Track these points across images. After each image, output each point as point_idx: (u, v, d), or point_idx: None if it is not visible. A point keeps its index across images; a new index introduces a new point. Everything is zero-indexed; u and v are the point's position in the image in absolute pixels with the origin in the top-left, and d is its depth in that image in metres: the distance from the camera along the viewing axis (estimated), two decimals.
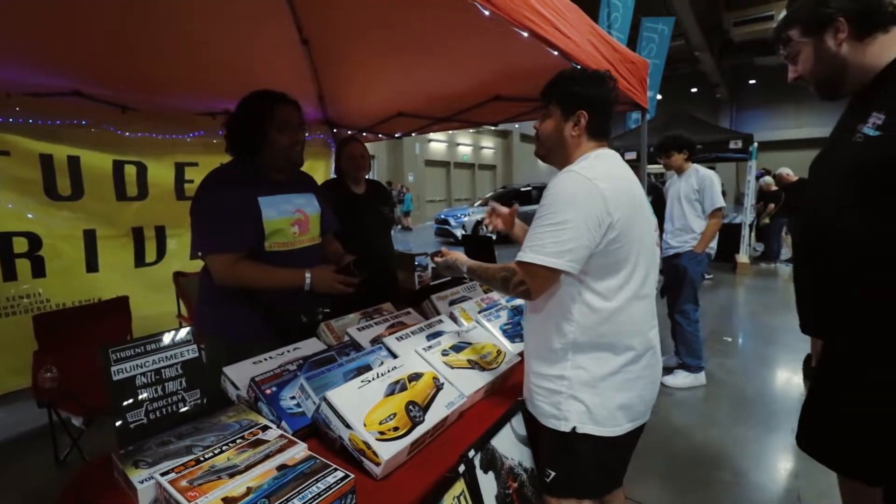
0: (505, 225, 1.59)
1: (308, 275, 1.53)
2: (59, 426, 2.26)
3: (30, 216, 2.66)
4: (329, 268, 1.59)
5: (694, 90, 19.57)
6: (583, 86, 1.19)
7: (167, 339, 1.20)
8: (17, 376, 2.49)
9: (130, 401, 1.09)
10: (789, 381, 3.39)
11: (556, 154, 1.24)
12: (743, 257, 7.45)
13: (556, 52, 1.58)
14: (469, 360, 1.43)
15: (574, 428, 1.15)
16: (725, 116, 20.00)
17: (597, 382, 1.14)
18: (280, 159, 1.60)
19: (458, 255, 1.39)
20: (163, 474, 0.89)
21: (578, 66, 1.25)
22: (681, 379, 3.23)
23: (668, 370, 3.20)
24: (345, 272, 1.58)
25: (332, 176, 2.64)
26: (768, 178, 8.35)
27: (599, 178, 1.10)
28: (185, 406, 1.17)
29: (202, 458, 0.94)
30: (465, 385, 1.31)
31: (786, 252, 8.17)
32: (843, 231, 1.08)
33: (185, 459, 0.95)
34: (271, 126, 1.55)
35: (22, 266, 2.65)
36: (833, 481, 2.14)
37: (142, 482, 0.91)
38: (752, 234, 8.75)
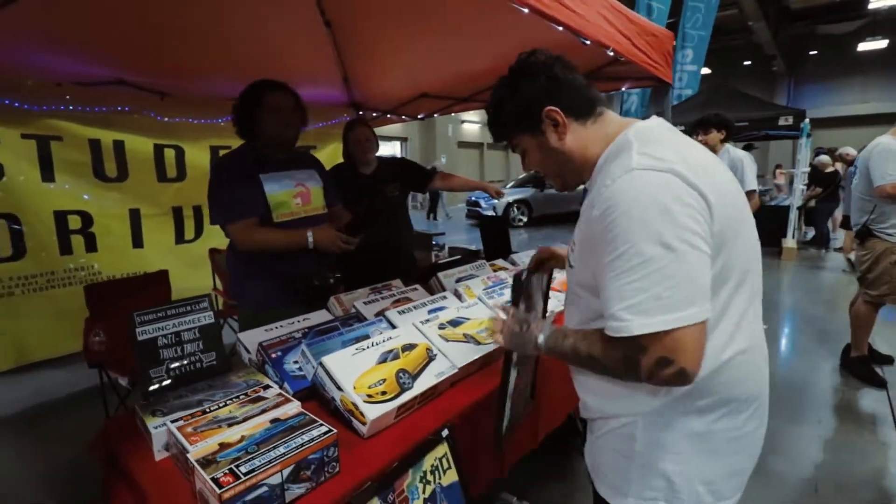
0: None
1: (310, 234, 1.70)
2: (109, 386, 2.50)
3: (85, 197, 2.92)
4: (331, 226, 1.78)
5: (747, 63, 18.21)
6: (521, 88, 0.89)
7: (186, 305, 1.32)
8: (74, 340, 2.76)
9: (153, 359, 1.22)
10: (822, 371, 3.24)
11: (570, 171, 0.92)
12: (790, 242, 7.03)
13: (560, 28, 1.56)
14: (465, 335, 1.48)
15: None
16: (782, 91, 18.52)
17: None
18: (272, 140, 1.76)
19: (531, 322, 0.93)
20: (173, 422, 1.01)
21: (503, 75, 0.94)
22: None
23: None
24: (345, 231, 1.77)
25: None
26: (824, 158, 7.76)
27: (673, 160, 0.73)
28: (201, 365, 1.30)
29: (208, 410, 1.06)
30: (458, 357, 1.36)
31: (836, 240, 7.63)
32: None
33: (193, 410, 1.06)
34: (262, 111, 1.71)
35: (77, 241, 2.93)
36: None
37: (156, 428, 1.03)
38: (801, 218, 8.21)
